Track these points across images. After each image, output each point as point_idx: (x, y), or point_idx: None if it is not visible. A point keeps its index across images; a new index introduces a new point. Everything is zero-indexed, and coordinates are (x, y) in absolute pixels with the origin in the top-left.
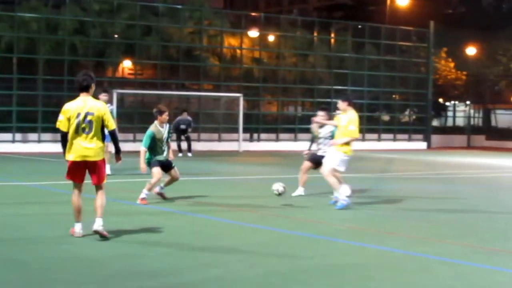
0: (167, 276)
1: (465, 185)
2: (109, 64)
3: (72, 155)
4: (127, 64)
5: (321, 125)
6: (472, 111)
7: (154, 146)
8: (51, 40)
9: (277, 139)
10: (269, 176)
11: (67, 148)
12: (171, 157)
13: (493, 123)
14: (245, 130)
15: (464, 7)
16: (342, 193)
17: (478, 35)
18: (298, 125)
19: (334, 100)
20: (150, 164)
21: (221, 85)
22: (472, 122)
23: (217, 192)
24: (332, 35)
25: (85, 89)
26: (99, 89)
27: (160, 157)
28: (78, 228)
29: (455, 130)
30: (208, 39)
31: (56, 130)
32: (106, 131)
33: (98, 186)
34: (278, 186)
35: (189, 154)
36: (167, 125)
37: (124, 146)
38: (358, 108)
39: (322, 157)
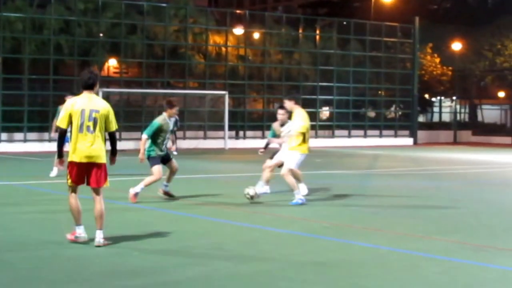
0: (152, 275)
1: (452, 181)
2: (95, 63)
3: (76, 156)
4: (112, 63)
5: (283, 123)
6: (458, 106)
7: (157, 137)
8: (37, 40)
9: (263, 137)
10: (255, 174)
11: (71, 149)
12: (172, 148)
13: (479, 118)
14: (231, 128)
15: (448, 3)
16: (301, 192)
17: (463, 30)
18: None
19: (319, 96)
20: (149, 158)
21: (206, 83)
22: (458, 118)
23: (202, 190)
24: (317, 32)
25: (90, 87)
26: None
27: (161, 153)
28: (80, 231)
29: (442, 125)
30: (193, 37)
31: (42, 129)
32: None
33: (97, 190)
34: (250, 190)
35: (175, 153)
36: (174, 119)
37: (108, 145)
38: (344, 104)
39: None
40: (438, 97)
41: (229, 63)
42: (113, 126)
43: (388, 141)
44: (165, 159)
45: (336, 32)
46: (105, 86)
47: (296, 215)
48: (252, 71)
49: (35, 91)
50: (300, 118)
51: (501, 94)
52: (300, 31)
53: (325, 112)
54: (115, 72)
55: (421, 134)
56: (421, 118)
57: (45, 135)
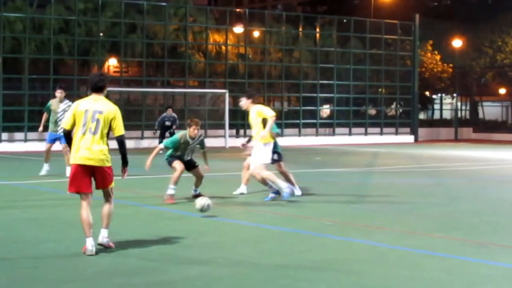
0: (153, 274)
1: (453, 178)
2: (94, 62)
3: (76, 158)
4: (112, 62)
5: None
6: (459, 103)
7: (178, 148)
8: (36, 40)
9: None
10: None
11: (72, 151)
12: (206, 168)
13: (480, 115)
14: (231, 126)
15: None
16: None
17: (463, 27)
18: (284, 121)
19: (320, 94)
20: (168, 161)
21: (206, 81)
22: (459, 115)
23: (202, 189)
24: (317, 29)
25: (99, 89)
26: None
27: (181, 155)
28: (89, 244)
29: (442, 123)
30: (193, 36)
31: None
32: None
33: (105, 191)
34: (202, 202)
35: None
36: (199, 139)
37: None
38: (344, 102)
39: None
40: (439, 94)
41: (229, 62)
42: (119, 130)
43: (389, 138)
44: (189, 166)
45: (336, 30)
46: None
47: (297, 213)
48: (252, 70)
49: (36, 91)
50: (263, 110)
51: (502, 91)
52: (300, 29)
53: (325, 110)
54: (115, 71)
55: (421, 131)
56: (421, 116)
57: (46, 134)
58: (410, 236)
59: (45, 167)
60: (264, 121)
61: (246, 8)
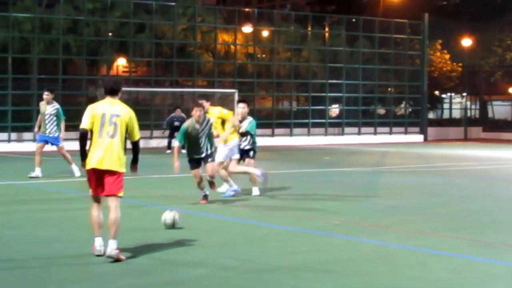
0: (160, 274)
1: (462, 177)
2: (103, 62)
3: (93, 163)
4: (120, 62)
5: (242, 120)
6: (468, 103)
7: (189, 143)
8: (45, 40)
9: (272, 135)
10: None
11: (89, 155)
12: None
13: (489, 114)
14: None
15: None
16: (230, 186)
17: (472, 26)
18: (293, 120)
19: (329, 94)
20: (190, 167)
21: (215, 81)
22: (468, 114)
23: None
24: (326, 29)
25: (114, 92)
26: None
27: (197, 156)
28: (98, 243)
29: (452, 122)
30: (201, 36)
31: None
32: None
33: (113, 198)
34: (167, 216)
35: (183, 151)
36: (207, 121)
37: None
38: (353, 101)
39: (244, 150)
40: (448, 94)
41: (238, 61)
42: (136, 135)
43: (398, 138)
44: (204, 160)
45: (344, 29)
46: None
47: (305, 213)
48: (260, 69)
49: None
50: (223, 111)
51: (511, 90)
52: (309, 28)
53: (334, 110)
54: (123, 71)
55: (431, 130)
56: (431, 115)
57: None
58: (418, 236)
59: (37, 172)
60: (223, 122)
61: (255, 8)
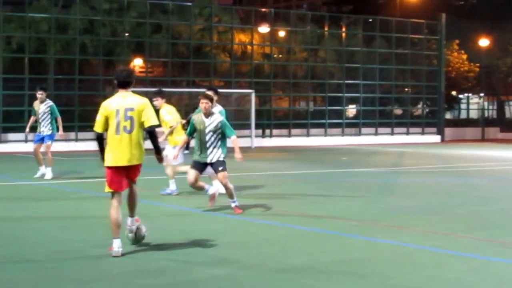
0: (177, 274)
1: (479, 178)
2: (119, 62)
3: (113, 160)
4: (137, 62)
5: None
6: (485, 103)
7: (197, 139)
8: (61, 40)
9: (289, 135)
10: (281, 172)
11: (106, 151)
12: (238, 157)
13: (507, 115)
14: (257, 126)
15: None
16: (171, 185)
17: (490, 26)
18: (310, 120)
19: (345, 94)
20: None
21: (232, 81)
22: (485, 115)
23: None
24: (343, 29)
25: (126, 85)
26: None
27: (199, 157)
28: (116, 245)
29: (469, 122)
30: (218, 36)
31: (67, 129)
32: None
33: (132, 182)
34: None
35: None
36: (217, 118)
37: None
38: (370, 102)
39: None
40: (465, 94)
41: (254, 62)
42: (151, 121)
43: (415, 138)
44: (213, 168)
45: (361, 29)
46: None
47: (321, 213)
48: (277, 69)
49: (61, 91)
50: (169, 113)
51: None
52: (325, 28)
53: (351, 110)
54: (140, 72)
55: (448, 131)
56: (448, 115)
57: (71, 134)
58: (436, 236)
59: (42, 170)
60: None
61: (271, 8)
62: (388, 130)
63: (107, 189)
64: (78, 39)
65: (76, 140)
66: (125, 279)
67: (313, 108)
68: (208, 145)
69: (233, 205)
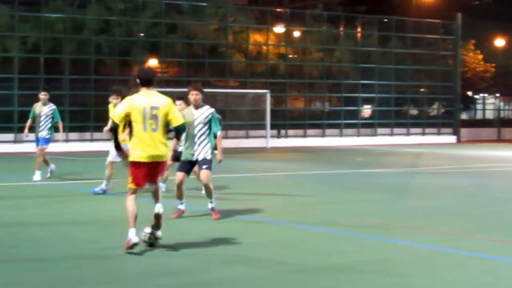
0: (193, 274)
1: (496, 179)
2: (135, 62)
3: (140, 154)
4: (152, 63)
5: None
6: (501, 103)
7: (186, 134)
8: (77, 40)
9: (304, 135)
10: (297, 173)
11: (135, 149)
12: (218, 158)
13: None
14: (272, 127)
15: None
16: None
17: (505, 26)
18: (326, 121)
19: (361, 94)
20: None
21: (247, 81)
22: (501, 115)
23: (243, 189)
24: (358, 29)
25: (150, 82)
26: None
27: (187, 154)
28: (132, 234)
29: (485, 123)
30: (233, 36)
31: (83, 129)
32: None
33: (153, 182)
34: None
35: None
36: (208, 113)
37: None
38: (385, 102)
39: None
40: (481, 94)
41: (270, 62)
42: (177, 120)
43: (431, 139)
44: (197, 165)
45: (377, 30)
46: None
47: (338, 214)
48: (292, 69)
49: (76, 91)
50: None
51: None
52: (341, 28)
53: (366, 110)
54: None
55: (464, 131)
56: (463, 116)
57: (87, 134)
58: (453, 237)
59: (51, 167)
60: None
61: (287, 8)
62: (404, 130)
63: (130, 185)
64: (93, 39)
65: (92, 140)
66: (142, 279)
67: (329, 108)
68: (196, 139)
69: (210, 205)
